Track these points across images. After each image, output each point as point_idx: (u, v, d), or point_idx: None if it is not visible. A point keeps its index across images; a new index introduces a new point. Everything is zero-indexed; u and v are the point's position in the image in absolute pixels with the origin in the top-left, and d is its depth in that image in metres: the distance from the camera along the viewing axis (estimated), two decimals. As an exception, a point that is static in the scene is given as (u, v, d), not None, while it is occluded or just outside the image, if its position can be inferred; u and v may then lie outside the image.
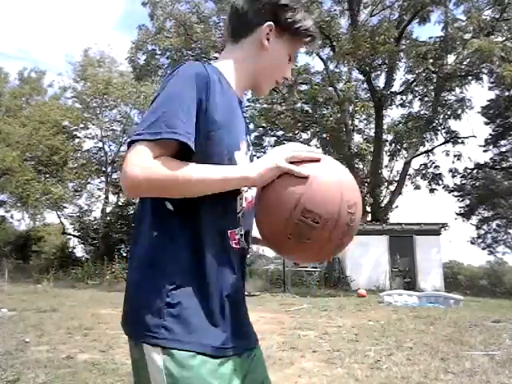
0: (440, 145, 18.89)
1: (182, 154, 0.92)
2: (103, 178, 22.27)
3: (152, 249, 0.95)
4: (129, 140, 0.92)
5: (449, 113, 18.05)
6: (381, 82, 18.93)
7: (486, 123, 23.71)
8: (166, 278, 0.93)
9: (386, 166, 20.17)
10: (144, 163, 0.86)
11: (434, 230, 15.05)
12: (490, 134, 23.76)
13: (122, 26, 67.33)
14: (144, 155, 0.87)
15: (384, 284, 13.71)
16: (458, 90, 17.24)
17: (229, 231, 1.00)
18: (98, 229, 20.68)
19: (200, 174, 0.91)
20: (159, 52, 16.77)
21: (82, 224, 21.69)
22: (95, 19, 62.59)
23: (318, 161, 0.97)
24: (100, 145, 22.12)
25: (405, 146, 19.42)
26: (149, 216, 0.98)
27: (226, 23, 1.21)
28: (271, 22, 1.08)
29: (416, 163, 19.83)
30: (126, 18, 65.75)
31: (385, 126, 19.37)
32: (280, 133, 22.64)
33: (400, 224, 15.36)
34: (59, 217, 22.16)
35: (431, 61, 15.92)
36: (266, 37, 1.09)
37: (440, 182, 20.45)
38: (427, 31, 57.41)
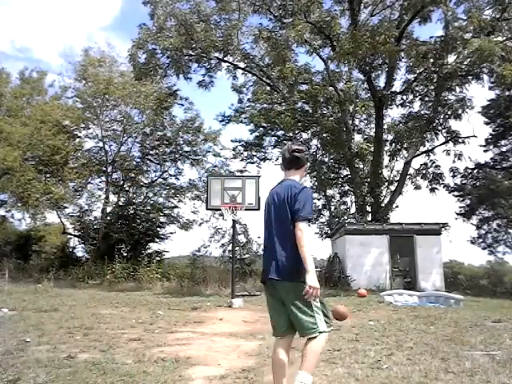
0: (440, 144, 18.86)
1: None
2: (104, 178, 22.25)
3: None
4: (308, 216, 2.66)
5: (449, 112, 18.01)
6: (381, 82, 18.91)
7: (487, 123, 23.67)
8: None
9: (387, 166, 20.16)
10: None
11: (435, 229, 15.04)
12: (491, 134, 23.73)
13: (118, 26, 67.19)
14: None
15: (384, 284, 13.70)
16: (458, 89, 17.20)
17: None
18: (99, 229, 20.66)
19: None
20: (159, 51, 16.72)
21: (82, 224, 21.65)
22: (92, 19, 62.50)
23: None
24: (100, 144, 22.09)
25: (405, 145, 19.39)
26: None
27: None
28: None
29: (416, 163, 19.81)
30: (122, 18, 65.56)
31: (385, 126, 19.34)
32: (280, 132, 22.64)
33: (400, 224, 15.35)
34: (59, 216, 22.16)
35: (432, 60, 15.89)
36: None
37: (441, 181, 20.42)
38: (428, 31, 57.41)
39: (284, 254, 2.63)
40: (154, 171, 23.51)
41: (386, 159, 19.76)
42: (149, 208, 21.54)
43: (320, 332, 2.62)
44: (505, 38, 15.07)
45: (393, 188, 18.92)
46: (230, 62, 18.32)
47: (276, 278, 2.63)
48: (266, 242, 2.82)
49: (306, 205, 2.62)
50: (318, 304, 2.66)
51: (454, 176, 22.15)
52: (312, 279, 2.47)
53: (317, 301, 2.62)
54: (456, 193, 23.10)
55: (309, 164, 2.90)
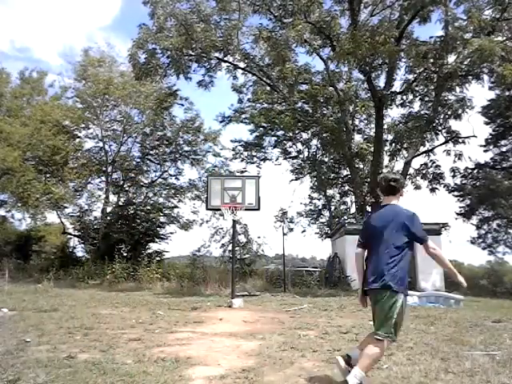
0: (440, 145, 18.86)
1: None
2: (104, 178, 22.26)
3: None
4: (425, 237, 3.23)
5: (449, 112, 18.01)
6: (381, 82, 18.89)
7: (487, 123, 23.69)
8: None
9: (387, 166, 20.13)
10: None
11: (435, 229, 15.03)
12: (491, 134, 23.75)
13: (118, 26, 67.27)
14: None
15: (384, 284, 13.67)
16: (458, 89, 17.20)
17: None
18: (99, 229, 20.67)
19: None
20: (159, 51, 16.71)
21: (82, 224, 21.68)
22: (92, 19, 62.58)
23: None
24: (100, 144, 22.13)
25: (405, 145, 19.39)
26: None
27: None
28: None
29: (416, 163, 19.80)
30: (122, 18, 65.63)
31: (385, 126, 19.33)
32: (280, 132, 22.65)
33: (400, 224, 15.32)
34: (59, 216, 22.18)
35: (431, 60, 15.88)
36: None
37: (441, 181, 20.42)
38: (428, 31, 57.51)
39: (387, 267, 3.14)
40: (154, 171, 23.55)
41: (386, 159, 19.75)
42: (149, 208, 21.54)
43: (391, 340, 3.19)
44: (505, 38, 15.06)
45: (393, 188, 18.89)
46: (230, 62, 18.32)
47: (377, 287, 3.18)
48: (368, 257, 3.34)
49: (421, 229, 3.25)
50: (396, 319, 3.19)
51: (454, 176, 22.16)
52: (462, 279, 3.43)
53: (396, 316, 3.18)
54: (456, 193, 23.12)
55: (404, 188, 3.42)
